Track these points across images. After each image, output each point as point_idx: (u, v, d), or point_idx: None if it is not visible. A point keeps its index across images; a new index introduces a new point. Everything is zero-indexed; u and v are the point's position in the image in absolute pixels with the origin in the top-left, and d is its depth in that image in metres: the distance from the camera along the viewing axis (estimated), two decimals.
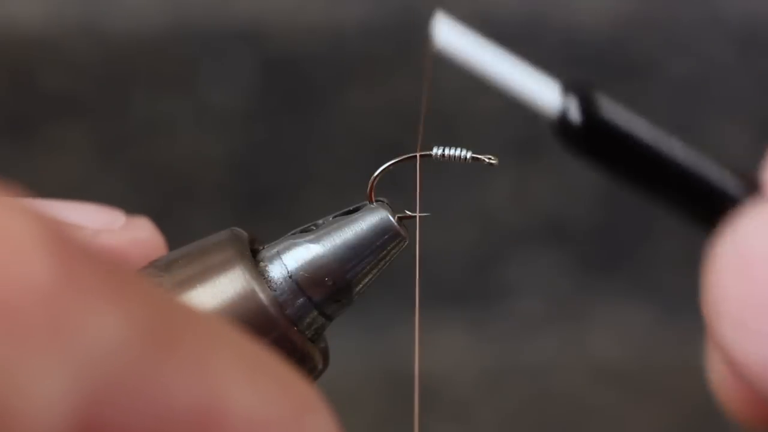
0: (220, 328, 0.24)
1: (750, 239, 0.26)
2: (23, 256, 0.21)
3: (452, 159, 0.38)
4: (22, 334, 0.20)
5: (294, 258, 0.36)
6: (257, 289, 0.35)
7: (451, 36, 0.30)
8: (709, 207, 0.28)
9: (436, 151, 0.38)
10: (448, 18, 0.30)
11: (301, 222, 0.37)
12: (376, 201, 0.38)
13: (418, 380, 0.37)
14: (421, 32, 1.08)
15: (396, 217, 0.37)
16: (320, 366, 0.37)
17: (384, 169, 0.38)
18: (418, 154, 0.38)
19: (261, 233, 0.38)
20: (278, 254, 0.36)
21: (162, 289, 0.27)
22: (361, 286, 0.37)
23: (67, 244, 0.21)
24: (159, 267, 0.35)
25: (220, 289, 0.35)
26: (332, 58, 0.96)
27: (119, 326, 0.21)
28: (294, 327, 0.35)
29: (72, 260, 0.21)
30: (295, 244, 0.37)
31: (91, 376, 0.21)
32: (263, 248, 0.37)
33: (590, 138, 0.28)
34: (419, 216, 0.38)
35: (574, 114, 0.28)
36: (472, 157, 0.38)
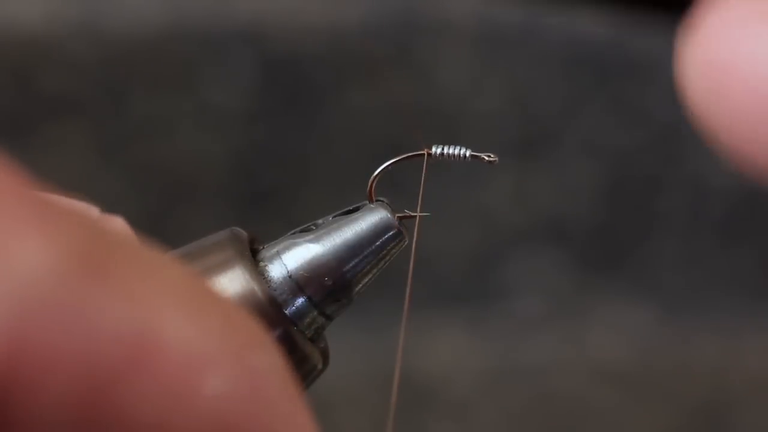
0: (159, 261, 0.24)
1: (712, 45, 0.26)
2: None
3: (452, 157, 0.39)
4: None
5: (294, 258, 0.36)
6: (257, 288, 0.35)
7: None
8: None
9: (436, 149, 0.39)
10: None
11: (301, 222, 0.38)
12: (376, 201, 0.38)
13: (398, 378, 0.37)
14: (421, 32, 1.08)
15: (396, 217, 0.37)
16: (320, 366, 0.37)
17: (384, 168, 0.38)
18: (425, 152, 0.38)
19: (261, 233, 0.38)
20: (278, 254, 0.36)
21: (94, 218, 0.26)
22: (361, 285, 0.37)
23: None
24: None
25: (220, 288, 0.35)
26: (332, 58, 0.96)
27: (47, 253, 0.21)
28: (294, 326, 0.36)
29: None
30: (295, 244, 0.37)
31: (19, 303, 0.21)
32: (263, 248, 0.37)
33: None
34: (419, 216, 0.38)
35: None
36: (472, 156, 0.38)
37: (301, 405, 0.24)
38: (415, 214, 0.38)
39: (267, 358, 0.23)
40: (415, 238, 0.37)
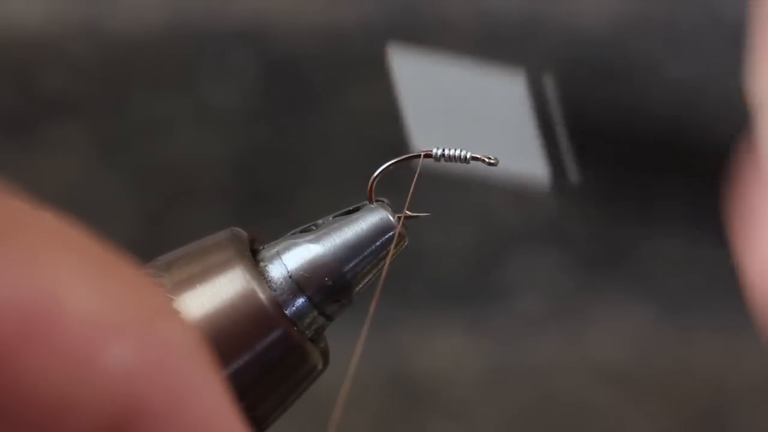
0: (59, 227, 0.22)
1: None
2: None
3: (452, 159, 0.39)
4: None
5: (294, 258, 0.36)
6: (257, 289, 0.35)
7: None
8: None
9: (436, 151, 0.39)
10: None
11: (301, 222, 0.38)
12: (376, 201, 0.38)
13: (351, 374, 0.37)
14: (421, 32, 1.07)
15: (396, 217, 0.37)
16: (320, 366, 0.37)
17: (384, 168, 0.38)
18: (421, 153, 0.38)
19: (261, 233, 0.38)
20: (278, 254, 0.36)
21: None
22: (361, 286, 0.37)
23: None
24: (159, 267, 0.35)
25: (220, 289, 0.35)
26: (332, 59, 0.96)
27: None
28: (294, 327, 0.36)
29: None
30: (295, 244, 0.37)
31: None
32: (263, 248, 0.37)
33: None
34: (404, 216, 0.38)
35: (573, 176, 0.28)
36: (472, 158, 0.38)
37: (214, 377, 0.22)
38: (415, 214, 0.38)
39: (175, 328, 0.22)
40: (395, 240, 0.37)
